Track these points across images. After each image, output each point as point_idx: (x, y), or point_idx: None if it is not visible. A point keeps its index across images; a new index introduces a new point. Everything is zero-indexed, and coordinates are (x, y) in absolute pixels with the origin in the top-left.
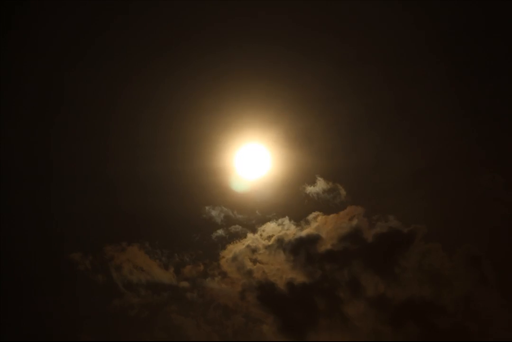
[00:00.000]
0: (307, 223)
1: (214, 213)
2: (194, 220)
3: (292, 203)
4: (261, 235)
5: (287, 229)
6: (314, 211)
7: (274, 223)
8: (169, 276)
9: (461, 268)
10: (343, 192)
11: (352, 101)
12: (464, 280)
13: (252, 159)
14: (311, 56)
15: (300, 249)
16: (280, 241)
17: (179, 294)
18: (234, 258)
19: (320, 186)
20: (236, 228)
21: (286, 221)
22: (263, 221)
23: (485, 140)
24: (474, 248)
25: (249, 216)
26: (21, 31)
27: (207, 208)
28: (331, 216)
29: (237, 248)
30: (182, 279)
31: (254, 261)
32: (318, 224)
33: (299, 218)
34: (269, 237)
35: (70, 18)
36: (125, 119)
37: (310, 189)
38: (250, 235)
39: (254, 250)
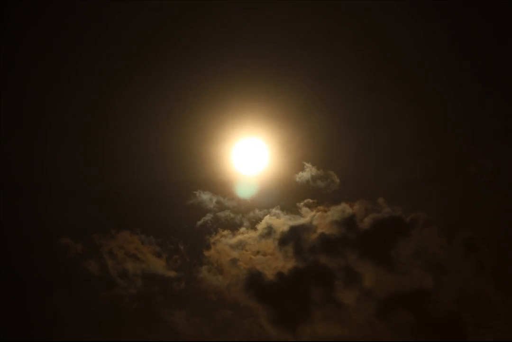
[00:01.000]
0: (299, 211)
1: (204, 197)
2: (183, 206)
3: (284, 191)
4: (252, 223)
5: (279, 217)
6: (306, 199)
7: (266, 211)
8: (161, 265)
9: (458, 255)
10: (336, 179)
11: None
12: (461, 267)
13: (246, 150)
14: (306, 49)
15: (292, 237)
16: (272, 229)
17: (169, 284)
18: (225, 247)
19: (311, 173)
20: (227, 214)
21: (277, 210)
22: (254, 209)
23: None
24: (471, 233)
25: (240, 203)
26: (16, 33)
27: (196, 192)
28: (325, 203)
29: (228, 236)
30: (172, 268)
31: (245, 250)
32: (310, 212)
33: (290, 206)
34: (261, 225)
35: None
36: (122, 116)
37: (301, 176)
38: (241, 222)
39: (245, 239)
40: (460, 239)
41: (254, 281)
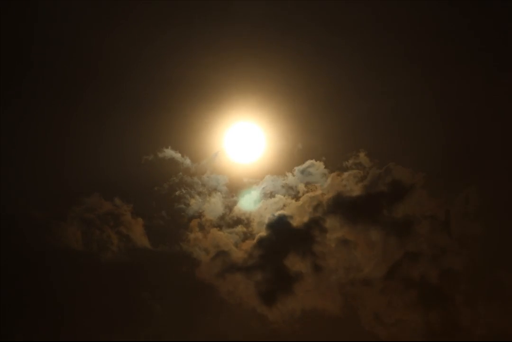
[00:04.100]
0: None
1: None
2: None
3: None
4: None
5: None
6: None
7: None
8: (139, 232)
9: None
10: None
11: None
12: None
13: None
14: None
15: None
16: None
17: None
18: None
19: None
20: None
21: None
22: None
23: None
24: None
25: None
26: None
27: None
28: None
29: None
30: (151, 241)
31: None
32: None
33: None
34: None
35: None
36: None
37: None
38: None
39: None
40: (460, 199)
41: (233, 253)
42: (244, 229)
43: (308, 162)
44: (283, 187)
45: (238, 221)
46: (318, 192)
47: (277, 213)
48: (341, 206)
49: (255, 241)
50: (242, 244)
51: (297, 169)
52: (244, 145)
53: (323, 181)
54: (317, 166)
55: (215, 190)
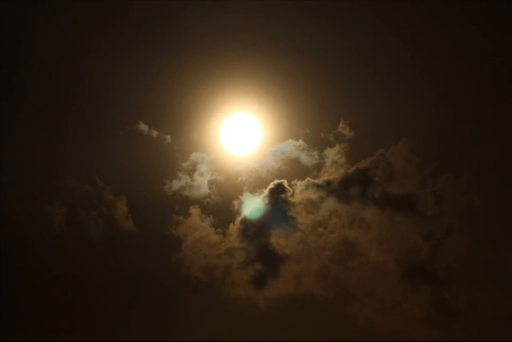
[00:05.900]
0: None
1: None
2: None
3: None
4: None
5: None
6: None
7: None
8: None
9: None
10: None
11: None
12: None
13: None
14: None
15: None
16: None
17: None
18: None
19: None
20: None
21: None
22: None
23: None
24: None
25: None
26: None
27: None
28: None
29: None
30: (135, 223)
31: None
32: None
33: None
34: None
35: None
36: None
37: None
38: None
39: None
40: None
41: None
42: (232, 210)
43: (288, 141)
44: (270, 169)
45: (224, 203)
46: (308, 173)
47: (275, 181)
48: (332, 185)
49: (239, 222)
50: (229, 226)
51: (277, 149)
52: (236, 132)
53: (310, 159)
54: (298, 144)
55: (200, 164)
